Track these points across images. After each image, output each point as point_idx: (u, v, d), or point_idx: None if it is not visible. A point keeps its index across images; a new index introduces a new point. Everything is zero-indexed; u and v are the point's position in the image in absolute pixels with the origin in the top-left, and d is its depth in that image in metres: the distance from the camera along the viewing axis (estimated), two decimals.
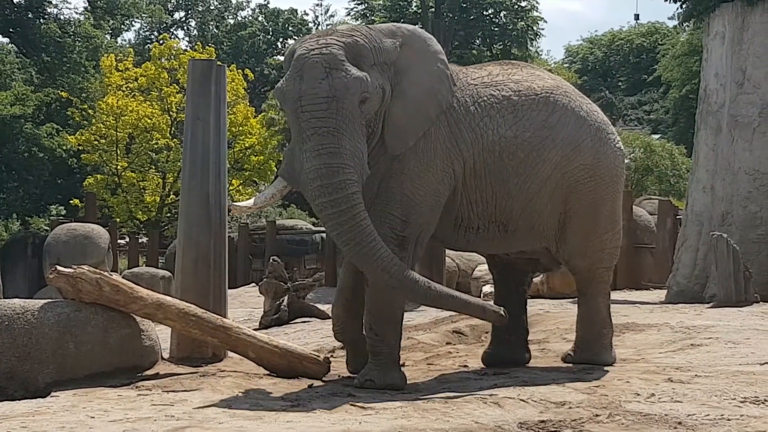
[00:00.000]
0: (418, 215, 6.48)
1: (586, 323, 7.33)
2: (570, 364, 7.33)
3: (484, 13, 40.24)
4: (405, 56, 6.50)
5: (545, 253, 7.24)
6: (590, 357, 7.21)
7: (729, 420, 5.29)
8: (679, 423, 5.24)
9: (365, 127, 6.26)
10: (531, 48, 41.19)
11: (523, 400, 5.90)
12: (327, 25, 48.71)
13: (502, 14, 40.69)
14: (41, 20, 33.64)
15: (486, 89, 6.78)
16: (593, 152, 6.92)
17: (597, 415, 5.42)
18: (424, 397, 6.11)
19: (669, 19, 52.59)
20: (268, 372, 6.92)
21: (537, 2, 40.34)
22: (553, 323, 9.82)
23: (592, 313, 7.30)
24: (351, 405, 5.69)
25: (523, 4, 40.18)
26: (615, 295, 13.60)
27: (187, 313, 6.78)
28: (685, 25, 19.40)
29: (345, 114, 6.07)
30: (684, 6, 15.57)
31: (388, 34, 6.53)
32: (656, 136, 37.56)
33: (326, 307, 12.46)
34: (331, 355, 8.04)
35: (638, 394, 6.08)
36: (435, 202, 6.54)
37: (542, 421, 5.29)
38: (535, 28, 40.71)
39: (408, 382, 6.65)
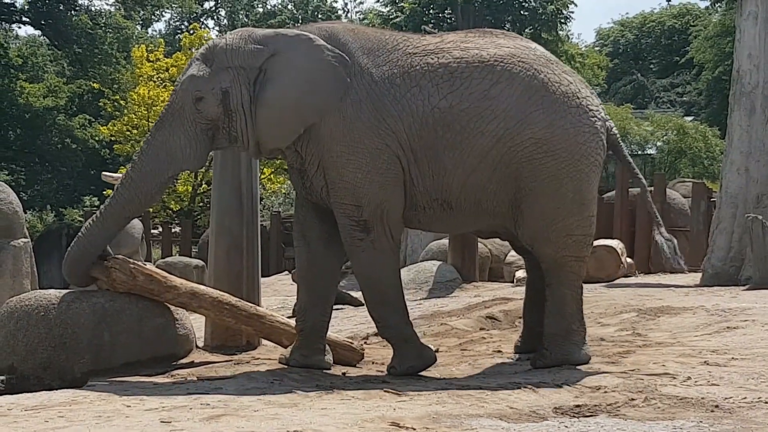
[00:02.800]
0: (369, 197, 6.38)
1: (554, 318, 6.68)
2: (611, 352, 7.29)
3: None
4: (275, 65, 6.39)
5: (510, 233, 6.87)
6: (561, 357, 6.61)
7: (766, 403, 5.26)
8: (716, 406, 5.20)
9: (206, 125, 6.40)
10: (561, 31, 40.94)
11: (557, 385, 5.89)
12: (356, 12, 48.66)
13: None
14: (72, 12, 33.78)
15: (422, 58, 6.46)
16: (546, 125, 6.37)
17: (633, 399, 5.40)
18: (459, 382, 6.11)
19: (701, 0, 52.11)
20: None
21: None
22: (586, 308, 9.69)
23: (559, 306, 6.67)
24: (385, 391, 5.70)
25: None
26: (650, 279, 13.60)
27: (221, 302, 6.81)
28: (717, 5, 19.28)
29: (175, 107, 6.46)
30: None
31: (259, 40, 6.45)
32: (689, 119, 37.34)
33: (359, 295, 12.49)
34: (365, 342, 8.06)
35: (674, 378, 6.05)
36: (381, 180, 6.37)
37: (577, 406, 5.27)
38: (565, 11, 40.46)
39: (442, 367, 6.65)
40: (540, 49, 6.73)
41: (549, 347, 6.64)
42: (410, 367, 6.45)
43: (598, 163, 6.59)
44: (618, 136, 6.88)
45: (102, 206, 6.59)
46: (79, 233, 6.56)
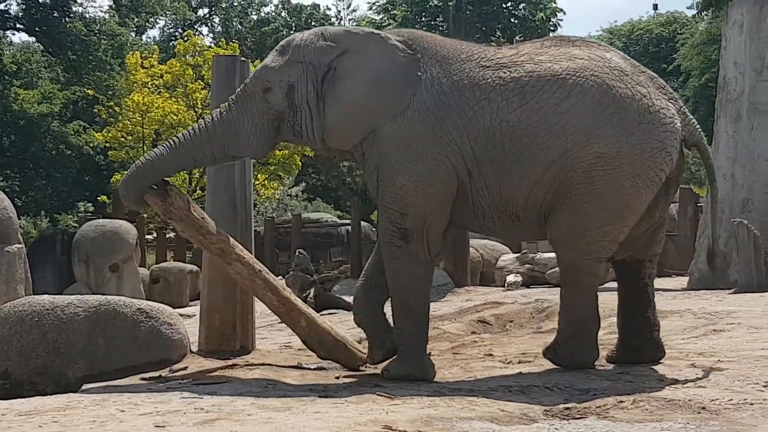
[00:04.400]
0: (416, 206, 6.36)
1: (566, 318, 6.61)
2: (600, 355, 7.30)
3: (504, 5, 40.14)
4: (346, 63, 6.47)
5: None
6: (568, 355, 6.57)
7: (752, 404, 5.27)
8: (703, 408, 5.22)
9: (273, 116, 6.52)
10: None
11: (548, 388, 5.89)
12: (349, 20, 48.73)
13: (521, 6, 40.59)
14: (67, 19, 33.75)
15: (495, 71, 6.38)
16: (614, 141, 6.20)
17: (621, 402, 5.41)
18: (450, 386, 6.12)
19: (687, 8, 52.31)
20: (296, 366, 6.94)
21: None
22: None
23: (571, 306, 6.58)
24: (378, 395, 5.69)
25: None
26: None
27: (256, 263, 6.84)
28: (703, 14, 19.34)
29: (247, 92, 6.60)
30: None
31: (331, 37, 6.56)
32: None
33: (352, 299, 12.49)
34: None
35: (662, 380, 6.07)
36: (431, 192, 6.35)
37: (567, 408, 5.28)
38: (553, 19, 40.60)
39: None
40: (615, 58, 6.51)
41: (561, 343, 6.62)
42: (406, 374, 6.41)
43: (658, 179, 6.36)
44: (702, 137, 6.68)
45: (177, 138, 6.61)
46: (146, 156, 6.58)
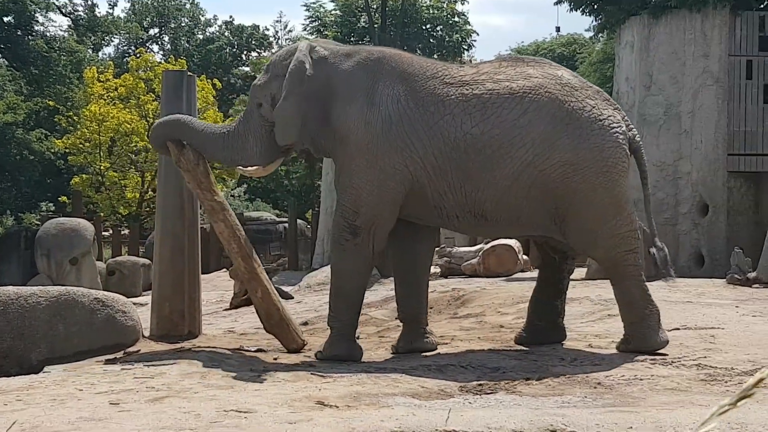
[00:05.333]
0: (367, 206, 6.36)
1: (625, 309, 6.48)
2: (508, 337, 7.35)
3: (423, 27, 40.24)
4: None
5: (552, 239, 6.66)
6: (640, 342, 6.32)
7: (641, 380, 5.35)
8: (599, 383, 5.29)
9: (270, 126, 6.64)
10: (465, 57, 41.22)
11: (462, 366, 5.92)
12: (286, 39, 48.45)
13: (438, 28, 40.74)
14: (29, 37, 33.20)
15: (458, 89, 6.37)
16: (572, 149, 6.22)
17: (528, 378, 5.45)
18: (377, 365, 6.12)
19: (586, 30, 52.78)
20: (238, 348, 6.88)
21: (467, 17, 40.49)
22: (488, 299, 9.86)
23: (626, 297, 6.46)
24: (312, 374, 5.68)
25: (456, 19, 40.30)
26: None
27: (239, 230, 6.86)
28: (599, 35, 19.60)
29: (249, 109, 6.83)
30: (598, 19, 15.71)
31: (292, 51, 6.76)
32: None
33: (289, 289, 12.44)
34: None
35: (563, 359, 6.13)
36: (383, 196, 6.35)
37: (480, 385, 5.31)
38: (468, 39, 40.78)
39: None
40: (566, 76, 6.52)
41: (629, 334, 6.44)
42: (336, 355, 6.40)
43: (625, 169, 6.43)
44: (641, 143, 6.72)
45: (209, 126, 7.02)
46: (184, 119, 6.92)
